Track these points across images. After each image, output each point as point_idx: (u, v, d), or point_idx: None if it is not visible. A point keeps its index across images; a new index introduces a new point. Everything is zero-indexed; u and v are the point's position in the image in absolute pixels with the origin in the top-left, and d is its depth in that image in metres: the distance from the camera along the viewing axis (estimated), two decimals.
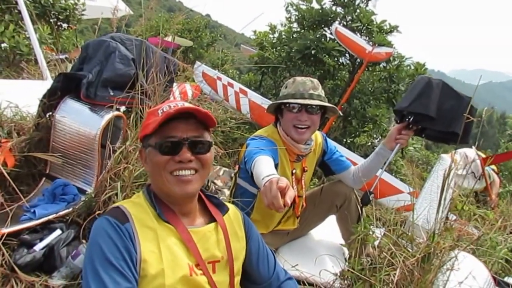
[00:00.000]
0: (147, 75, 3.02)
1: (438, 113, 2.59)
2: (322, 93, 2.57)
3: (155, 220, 1.44)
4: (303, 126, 2.53)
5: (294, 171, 2.68)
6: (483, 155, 5.90)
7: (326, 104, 2.55)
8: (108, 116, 2.93)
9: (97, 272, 1.29)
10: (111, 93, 2.99)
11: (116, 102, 2.94)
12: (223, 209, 1.65)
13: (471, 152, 5.63)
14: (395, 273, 2.04)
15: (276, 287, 1.70)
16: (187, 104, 1.48)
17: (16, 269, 2.32)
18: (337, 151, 2.95)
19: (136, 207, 1.46)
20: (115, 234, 1.35)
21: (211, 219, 1.59)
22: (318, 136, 2.84)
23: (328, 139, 2.96)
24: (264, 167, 2.03)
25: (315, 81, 2.59)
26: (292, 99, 2.50)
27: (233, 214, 1.69)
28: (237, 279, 1.58)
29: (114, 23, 3.81)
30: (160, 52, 3.18)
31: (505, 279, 2.66)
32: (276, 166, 2.51)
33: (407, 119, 2.70)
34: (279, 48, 8.94)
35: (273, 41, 9.23)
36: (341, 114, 2.74)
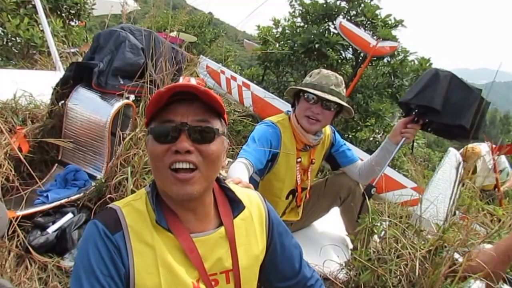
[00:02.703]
0: (156, 64, 3.09)
1: (445, 106, 2.49)
2: (343, 92, 2.54)
3: (154, 230, 1.22)
4: (314, 118, 2.52)
5: (299, 159, 2.68)
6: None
7: (343, 103, 2.51)
8: (118, 104, 3.02)
9: (80, 279, 1.15)
10: (121, 82, 3.08)
11: (126, 91, 3.02)
12: (238, 208, 1.36)
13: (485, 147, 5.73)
14: (405, 264, 2.02)
15: (303, 284, 1.53)
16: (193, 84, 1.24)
17: (31, 249, 2.42)
18: (344, 144, 2.94)
19: (134, 214, 1.24)
20: (102, 245, 1.17)
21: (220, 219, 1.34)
22: (327, 129, 2.83)
23: (336, 132, 2.94)
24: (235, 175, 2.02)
25: (340, 78, 2.55)
26: (312, 89, 2.49)
27: (257, 213, 1.42)
28: (252, 285, 1.39)
29: (124, 16, 3.89)
30: (168, 43, 3.25)
31: None
32: (274, 156, 2.56)
33: (413, 113, 2.63)
34: (282, 42, 8.94)
35: (277, 36, 9.23)
36: (353, 114, 2.70)
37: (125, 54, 3.11)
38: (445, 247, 1.97)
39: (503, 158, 6.06)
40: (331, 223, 3.20)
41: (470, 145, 5.65)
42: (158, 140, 1.18)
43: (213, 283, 1.27)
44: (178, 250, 1.24)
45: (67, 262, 2.47)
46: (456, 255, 2.06)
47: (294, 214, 2.91)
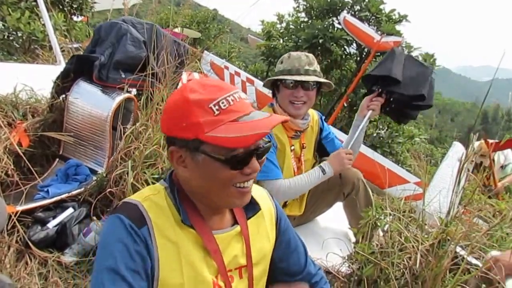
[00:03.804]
0: (158, 57, 3.05)
1: (404, 78, 2.63)
2: (318, 68, 2.58)
3: (176, 226, 1.21)
4: (299, 102, 2.55)
5: (292, 147, 2.69)
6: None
7: (321, 79, 2.56)
8: (119, 98, 2.98)
9: (103, 277, 1.10)
10: (123, 76, 3.04)
11: (127, 84, 2.98)
12: (253, 210, 1.37)
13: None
14: (408, 257, 2.02)
15: (308, 280, 1.53)
16: (259, 114, 1.16)
17: (31, 245, 2.39)
18: (331, 131, 2.98)
19: (156, 209, 1.20)
20: (130, 240, 1.13)
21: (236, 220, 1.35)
22: (314, 114, 2.86)
23: (323, 118, 2.98)
24: None
25: (310, 55, 2.59)
26: (288, 75, 2.51)
27: (267, 210, 1.43)
28: (262, 282, 1.41)
29: (126, 9, 3.86)
30: (169, 36, 3.22)
31: None
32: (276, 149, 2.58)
33: (376, 89, 2.72)
34: (286, 37, 8.93)
35: (281, 31, 9.22)
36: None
37: (126, 47, 3.07)
38: (448, 240, 1.97)
39: (509, 153, 6.07)
40: (334, 217, 3.17)
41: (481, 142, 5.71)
42: (232, 167, 1.13)
43: (237, 276, 1.30)
44: (199, 247, 1.23)
45: (68, 257, 2.45)
46: (458, 249, 2.08)
47: (296, 208, 2.89)
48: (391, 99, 2.73)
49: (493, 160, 5.77)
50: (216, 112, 1.08)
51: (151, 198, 1.22)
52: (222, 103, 1.09)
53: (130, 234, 1.13)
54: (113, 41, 3.08)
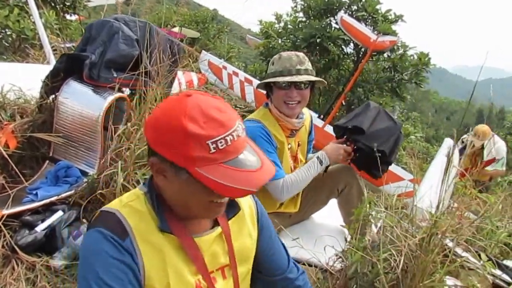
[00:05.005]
0: (151, 56, 2.99)
1: (371, 130, 2.67)
2: (309, 66, 2.57)
3: (158, 231, 1.19)
4: (293, 102, 2.54)
5: (289, 146, 2.71)
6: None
7: (314, 78, 2.56)
8: (111, 98, 2.91)
9: None
10: (115, 75, 2.97)
11: (118, 84, 2.91)
12: (233, 210, 1.35)
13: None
14: (398, 252, 2.02)
15: (291, 280, 1.53)
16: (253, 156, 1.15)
17: (17, 249, 2.32)
18: (313, 138, 3.02)
19: (135, 215, 1.18)
20: (115, 252, 1.11)
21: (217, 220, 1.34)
22: (308, 114, 2.87)
23: (313, 121, 3.01)
24: None
25: (301, 54, 2.58)
26: (280, 77, 2.50)
27: (247, 207, 1.43)
28: (246, 281, 1.41)
29: (119, 6, 3.79)
30: (163, 33, 3.15)
31: (504, 262, 2.68)
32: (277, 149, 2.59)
33: (344, 136, 2.76)
34: (284, 37, 8.94)
35: (279, 31, 9.23)
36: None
37: (118, 46, 3.00)
38: (437, 234, 1.99)
39: (502, 147, 6.17)
40: (330, 215, 3.15)
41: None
42: (212, 192, 1.10)
43: (220, 277, 1.30)
44: (181, 251, 1.22)
45: (57, 261, 2.38)
46: (449, 243, 2.10)
47: (292, 205, 2.88)
48: (356, 148, 2.75)
49: (483, 148, 6.09)
50: (212, 150, 1.04)
51: (130, 205, 1.19)
52: (220, 142, 1.05)
53: (114, 246, 1.11)
54: (105, 40, 3.01)
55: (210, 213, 1.22)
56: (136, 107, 2.89)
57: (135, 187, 2.39)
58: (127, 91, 3.25)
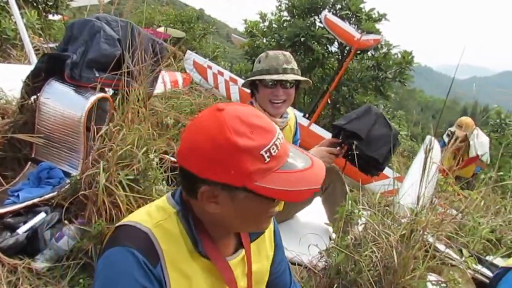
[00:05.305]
0: (133, 56, 2.97)
1: (368, 137, 2.69)
2: (295, 66, 2.60)
3: (188, 255, 1.12)
4: (279, 101, 2.56)
5: None
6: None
7: (300, 77, 2.59)
8: (93, 98, 2.89)
9: None
10: (97, 75, 2.94)
11: (99, 83, 2.89)
12: (257, 233, 1.33)
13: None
14: (380, 249, 2.06)
15: None
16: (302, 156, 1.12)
17: None
18: (299, 134, 3.03)
19: (168, 238, 1.10)
20: (146, 282, 1.02)
21: (240, 240, 1.29)
22: (292, 114, 2.89)
23: (298, 120, 3.03)
24: None
25: (287, 54, 2.60)
26: (267, 75, 2.51)
27: (267, 229, 1.38)
28: None
29: (101, 6, 3.77)
30: (144, 33, 3.13)
31: (487, 258, 2.73)
32: None
33: (340, 136, 2.78)
34: (269, 36, 8.96)
35: (264, 30, 9.25)
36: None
37: (100, 45, 2.97)
38: (417, 230, 2.03)
39: (486, 142, 6.31)
40: (315, 213, 3.19)
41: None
42: (275, 201, 1.09)
43: None
44: (210, 275, 1.16)
45: (39, 264, 2.34)
46: (431, 239, 2.13)
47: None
48: (349, 151, 2.76)
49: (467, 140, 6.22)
50: (267, 160, 0.99)
51: (163, 225, 1.11)
52: (273, 149, 1.00)
53: (145, 272, 1.02)
54: (86, 39, 2.98)
55: (264, 225, 1.17)
56: (119, 107, 2.87)
57: (117, 188, 2.39)
58: (110, 91, 3.23)
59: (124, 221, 1.13)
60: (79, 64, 2.92)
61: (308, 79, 2.69)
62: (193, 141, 1.02)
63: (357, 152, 2.64)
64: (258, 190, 0.98)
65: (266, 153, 0.98)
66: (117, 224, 1.13)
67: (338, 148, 2.71)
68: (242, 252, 1.25)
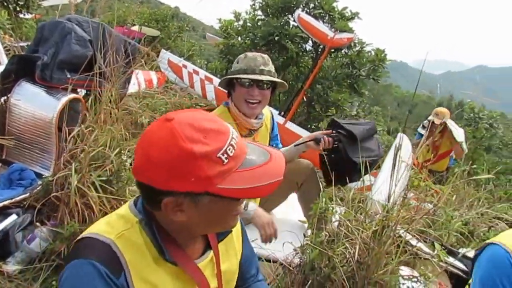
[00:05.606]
0: (105, 57, 2.97)
1: (361, 144, 2.72)
2: (273, 69, 2.63)
3: (154, 263, 1.10)
4: (254, 101, 2.58)
5: None
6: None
7: (276, 79, 2.61)
8: (65, 99, 2.88)
9: None
10: (68, 76, 2.94)
11: (71, 84, 2.88)
12: (224, 233, 1.33)
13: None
14: (353, 245, 2.09)
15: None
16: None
17: None
18: (277, 128, 3.05)
19: (132, 248, 1.08)
20: None
21: (207, 241, 1.28)
22: (268, 111, 2.91)
23: (274, 117, 3.05)
24: None
25: (266, 56, 2.64)
26: (244, 74, 2.54)
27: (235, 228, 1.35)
28: None
29: (72, 6, 3.73)
30: (116, 34, 3.13)
31: (460, 250, 2.77)
32: None
33: (333, 131, 2.82)
34: (244, 35, 8.99)
35: (238, 29, 9.26)
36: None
37: (71, 46, 2.97)
38: (389, 226, 2.06)
39: (462, 131, 6.49)
40: (291, 210, 3.21)
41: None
42: (239, 200, 1.11)
43: None
44: (178, 281, 1.15)
45: (10, 266, 2.33)
46: (404, 234, 2.19)
47: (251, 202, 2.90)
48: (333, 151, 2.80)
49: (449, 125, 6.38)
50: (225, 161, 0.99)
51: (125, 235, 1.09)
52: (229, 149, 1.00)
53: (108, 285, 1.01)
54: (57, 40, 2.98)
55: (232, 225, 1.17)
56: (92, 108, 2.87)
57: (90, 189, 2.40)
58: (82, 92, 3.21)
59: (84, 233, 1.11)
60: (50, 65, 2.91)
61: (284, 82, 2.72)
62: (148, 155, 1.00)
63: (341, 150, 2.73)
64: (221, 192, 0.99)
65: (223, 155, 0.98)
66: (77, 238, 1.11)
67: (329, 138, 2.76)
68: (210, 253, 1.25)
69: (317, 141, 2.76)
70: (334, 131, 2.80)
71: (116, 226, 1.11)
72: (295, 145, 2.88)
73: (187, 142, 0.96)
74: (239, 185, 1.00)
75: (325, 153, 2.77)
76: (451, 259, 2.54)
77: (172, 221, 1.07)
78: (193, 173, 0.96)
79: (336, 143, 2.77)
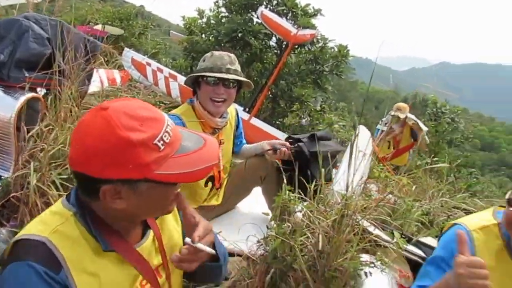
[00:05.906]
0: (64, 55, 2.93)
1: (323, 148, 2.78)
2: (239, 68, 2.67)
3: (93, 254, 1.10)
4: (219, 100, 2.61)
5: None
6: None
7: (242, 78, 2.66)
8: (23, 98, 2.82)
9: None
10: (26, 74, 2.88)
11: (29, 83, 2.83)
12: None
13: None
14: (314, 235, 2.15)
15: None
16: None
17: None
18: (242, 126, 3.11)
19: (68, 243, 1.07)
20: None
21: (145, 222, 1.29)
22: (232, 109, 2.95)
23: (239, 114, 3.10)
24: None
25: (232, 56, 2.67)
26: (210, 73, 2.57)
27: None
28: (176, 274, 1.35)
29: (30, 5, 3.66)
30: (75, 31, 3.10)
31: (420, 238, 2.88)
32: None
33: (293, 144, 2.89)
34: (208, 32, 8.98)
35: (202, 26, 9.25)
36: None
37: (28, 44, 2.91)
38: (347, 215, 2.12)
39: (422, 124, 6.73)
40: (255, 203, 3.26)
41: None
42: (177, 184, 1.14)
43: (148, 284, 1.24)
44: (125, 265, 1.16)
45: None
46: (366, 223, 2.25)
47: (215, 198, 2.96)
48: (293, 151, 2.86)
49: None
50: (162, 148, 1.03)
51: (60, 230, 1.08)
52: (165, 136, 1.04)
53: (49, 285, 1.00)
54: (14, 39, 2.91)
55: (171, 209, 1.21)
56: (52, 107, 2.83)
57: (50, 187, 2.37)
58: (42, 91, 3.16)
59: (19, 235, 1.10)
60: (6, 64, 2.84)
61: (250, 82, 2.76)
62: (84, 145, 1.02)
63: (303, 148, 2.81)
64: (159, 178, 1.03)
65: (159, 141, 1.02)
66: (12, 240, 1.10)
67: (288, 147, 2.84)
68: (151, 233, 1.27)
69: (275, 150, 2.82)
70: (293, 144, 2.87)
71: (49, 222, 1.11)
72: (256, 154, 2.94)
73: (123, 130, 0.98)
74: (176, 170, 1.04)
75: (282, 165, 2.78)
76: (410, 247, 2.62)
77: (112, 209, 1.09)
78: (130, 161, 0.99)
79: (293, 155, 2.80)
